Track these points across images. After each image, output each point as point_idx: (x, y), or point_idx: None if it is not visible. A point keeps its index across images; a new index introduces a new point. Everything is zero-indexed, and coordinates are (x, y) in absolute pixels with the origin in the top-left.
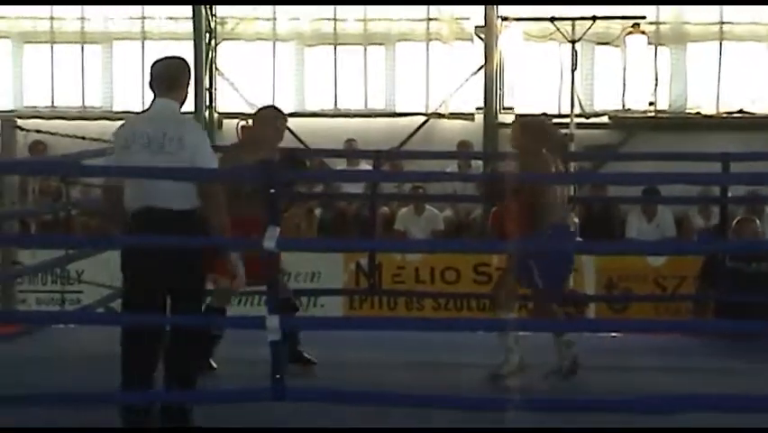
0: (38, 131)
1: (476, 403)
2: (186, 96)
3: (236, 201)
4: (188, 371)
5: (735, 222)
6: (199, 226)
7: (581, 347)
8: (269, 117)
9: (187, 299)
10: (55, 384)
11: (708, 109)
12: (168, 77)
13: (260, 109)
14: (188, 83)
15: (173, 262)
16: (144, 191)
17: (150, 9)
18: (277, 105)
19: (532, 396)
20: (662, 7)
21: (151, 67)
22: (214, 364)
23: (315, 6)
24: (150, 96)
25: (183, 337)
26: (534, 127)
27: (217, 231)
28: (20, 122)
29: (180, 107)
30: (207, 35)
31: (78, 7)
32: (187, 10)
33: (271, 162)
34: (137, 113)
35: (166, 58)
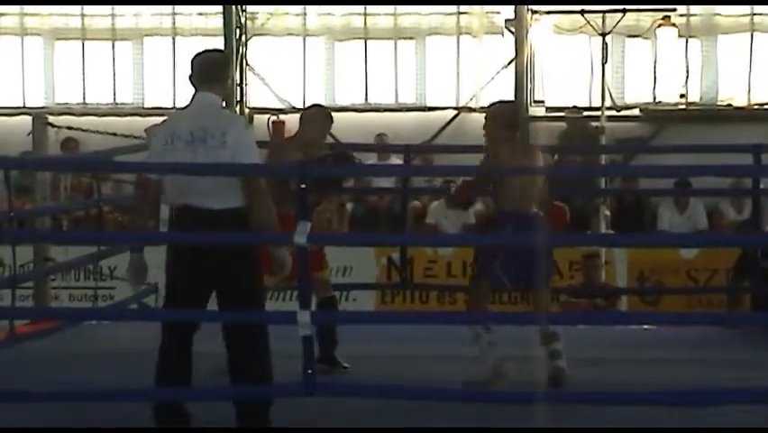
0: (69, 127)
1: (507, 397)
2: (226, 89)
3: (282, 199)
4: (253, 370)
5: None
6: (242, 226)
7: (613, 340)
8: (314, 116)
9: (233, 299)
10: (87, 380)
11: (740, 101)
12: (209, 70)
13: (307, 109)
14: (229, 76)
15: (216, 262)
16: (183, 189)
17: (180, 5)
18: (307, 100)
19: (562, 390)
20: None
21: (191, 60)
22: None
23: (346, 4)
24: (180, 92)
25: (239, 338)
26: (503, 115)
27: (266, 230)
28: (51, 118)
29: (221, 101)
30: (238, 31)
31: (109, 4)
32: (217, 6)
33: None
34: (168, 108)
35: (206, 51)
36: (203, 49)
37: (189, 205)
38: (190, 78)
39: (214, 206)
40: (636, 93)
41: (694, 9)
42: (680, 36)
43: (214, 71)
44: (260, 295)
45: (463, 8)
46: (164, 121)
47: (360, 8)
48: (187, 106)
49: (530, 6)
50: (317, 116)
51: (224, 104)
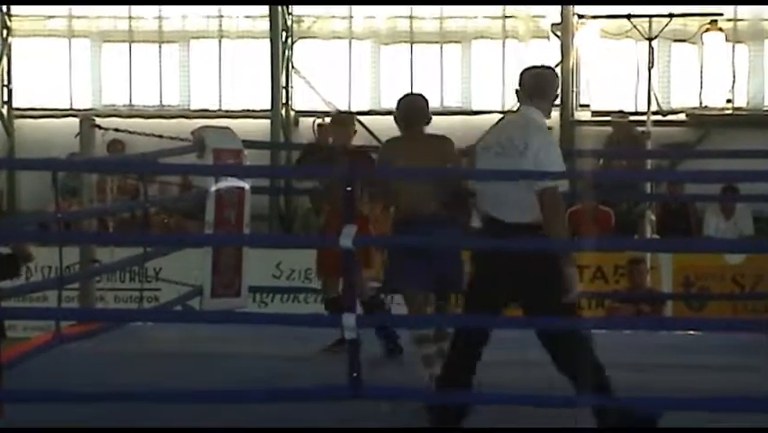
0: (116, 129)
1: (551, 401)
2: (551, 106)
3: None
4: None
5: None
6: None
7: (658, 345)
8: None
9: (535, 308)
10: (133, 382)
11: None
12: (532, 86)
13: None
14: (555, 94)
15: (518, 271)
16: (483, 199)
17: (227, 8)
18: (353, 103)
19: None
20: (739, 4)
21: (521, 73)
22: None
23: (392, 4)
24: (226, 94)
25: (553, 347)
26: (397, 109)
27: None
28: (98, 120)
29: (543, 116)
30: (284, 34)
31: (156, 6)
32: (263, 9)
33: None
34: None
35: (536, 67)
36: (533, 64)
37: (490, 215)
38: (517, 91)
39: (506, 218)
40: (683, 98)
41: (741, 14)
42: (727, 41)
43: (539, 88)
44: (560, 304)
45: (509, 12)
46: (488, 130)
47: (405, 12)
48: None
49: (576, 11)
50: (351, 120)
51: (546, 122)
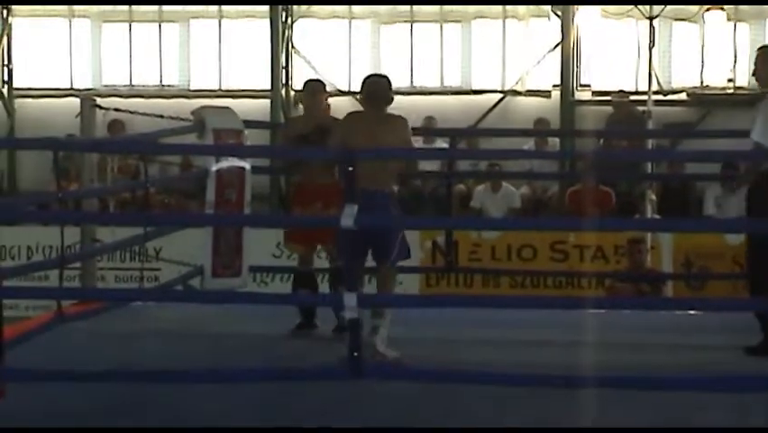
0: (117, 109)
1: (552, 381)
2: None
3: (308, 169)
4: None
5: None
6: None
7: (658, 325)
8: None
9: None
10: (134, 361)
11: None
12: None
13: (306, 82)
14: None
15: None
16: None
17: None
18: (353, 83)
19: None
20: None
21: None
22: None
23: (391, 4)
24: (225, 74)
25: None
26: (361, 89)
27: None
28: (99, 100)
29: None
30: (283, 13)
31: None
32: None
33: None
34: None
35: None
36: None
37: None
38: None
39: None
40: (684, 77)
41: None
42: (728, 20)
43: None
44: None
45: None
46: None
47: None
48: None
49: None
50: (320, 88)
51: None
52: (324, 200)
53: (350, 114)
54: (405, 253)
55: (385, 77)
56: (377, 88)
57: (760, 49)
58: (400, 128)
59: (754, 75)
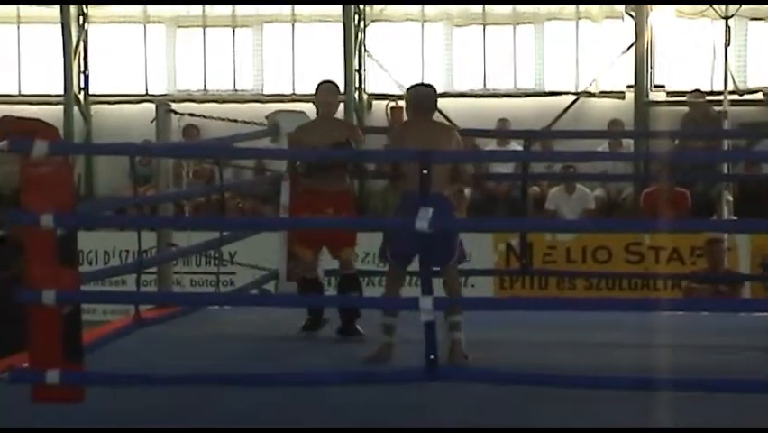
0: (191, 114)
1: (628, 383)
2: None
3: (322, 175)
4: None
5: None
6: None
7: (736, 326)
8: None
9: None
10: (212, 365)
11: None
12: None
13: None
14: None
15: None
16: None
17: None
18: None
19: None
20: None
21: None
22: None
23: (459, 4)
24: (299, 78)
25: None
26: (409, 98)
27: None
28: (173, 106)
29: None
30: (356, 17)
31: None
32: None
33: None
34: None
35: None
36: None
37: None
38: None
39: None
40: (759, 76)
41: None
42: None
43: None
44: None
45: None
46: None
47: None
48: None
49: None
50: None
51: None
52: (336, 207)
53: (400, 125)
54: (463, 255)
55: (430, 85)
56: (424, 99)
57: None
58: (453, 136)
59: None
